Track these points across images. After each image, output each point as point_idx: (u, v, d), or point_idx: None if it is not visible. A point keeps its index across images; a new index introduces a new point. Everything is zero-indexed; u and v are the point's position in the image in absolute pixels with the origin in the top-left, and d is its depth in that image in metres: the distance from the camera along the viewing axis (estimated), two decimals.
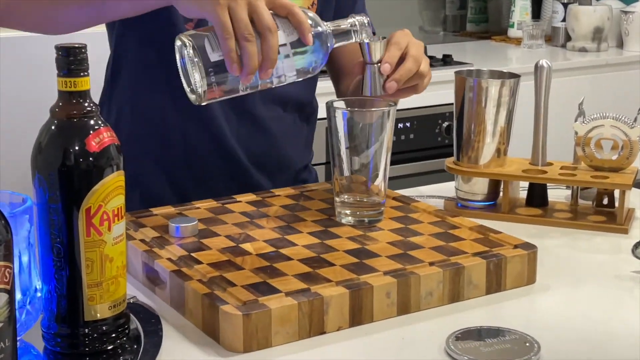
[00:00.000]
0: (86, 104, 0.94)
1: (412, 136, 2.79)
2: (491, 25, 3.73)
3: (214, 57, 1.11)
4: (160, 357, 0.98)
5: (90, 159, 0.93)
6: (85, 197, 0.93)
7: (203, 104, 1.15)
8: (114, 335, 0.97)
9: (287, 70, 1.16)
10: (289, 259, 1.13)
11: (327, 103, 1.26)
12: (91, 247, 0.94)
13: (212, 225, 1.25)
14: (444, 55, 2.99)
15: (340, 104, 1.27)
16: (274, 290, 1.04)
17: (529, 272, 1.17)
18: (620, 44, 3.40)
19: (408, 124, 2.78)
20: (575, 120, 1.43)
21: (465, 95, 1.42)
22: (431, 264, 1.12)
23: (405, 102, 2.84)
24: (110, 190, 0.95)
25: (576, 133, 1.41)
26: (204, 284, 1.06)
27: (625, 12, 3.33)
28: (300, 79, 1.20)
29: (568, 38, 3.36)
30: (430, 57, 3.00)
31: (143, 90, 1.49)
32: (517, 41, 3.42)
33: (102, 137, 0.94)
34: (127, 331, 0.99)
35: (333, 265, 1.11)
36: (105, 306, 0.96)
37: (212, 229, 1.24)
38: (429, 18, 3.69)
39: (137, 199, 1.51)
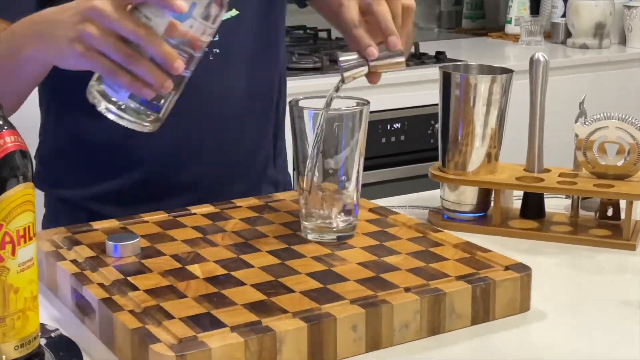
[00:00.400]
0: None
1: (402, 138, 2.63)
2: (488, 21, 3.58)
3: (123, 94, 0.96)
4: None
5: None
6: None
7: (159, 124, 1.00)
8: None
9: (193, 43, 0.98)
10: (241, 284, 0.97)
11: (290, 102, 1.10)
12: None
13: (158, 243, 1.09)
14: (437, 53, 2.83)
15: (305, 103, 1.11)
16: (217, 324, 0.87)
17: (522, 298, 1.01)
18: (623, 41, 3.24)
19: (398, 125, 2.62)
20: (576, 122, 1.26)
21: (451, 93, 1.25)
22: (407, 289, 0.96)
23: (395, 102, 2.71)
24: (15, 206, 0.78)
25: (577, 136, 1.25)
26: (136, 315, 0.90)
27: (629, 7, 3.17)
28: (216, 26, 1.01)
29: (568, 34, 3.21)
30: (423, 54, 2.85)
31: (79, 112, 1.31)
32: (515, 38, 3.26)
33: (3, 142, 0.78)
34: None
35: (292, 292, 0.95)
36: (11, 346, 0.80)
37: (157, 247, 1.08)
38: (423, 14, 3.54)
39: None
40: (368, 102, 1.10)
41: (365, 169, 2.72)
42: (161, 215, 1.18)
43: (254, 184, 1.41)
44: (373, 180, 2.55)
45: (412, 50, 2.89)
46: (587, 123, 1.25)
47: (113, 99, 0.97)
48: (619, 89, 2.97)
